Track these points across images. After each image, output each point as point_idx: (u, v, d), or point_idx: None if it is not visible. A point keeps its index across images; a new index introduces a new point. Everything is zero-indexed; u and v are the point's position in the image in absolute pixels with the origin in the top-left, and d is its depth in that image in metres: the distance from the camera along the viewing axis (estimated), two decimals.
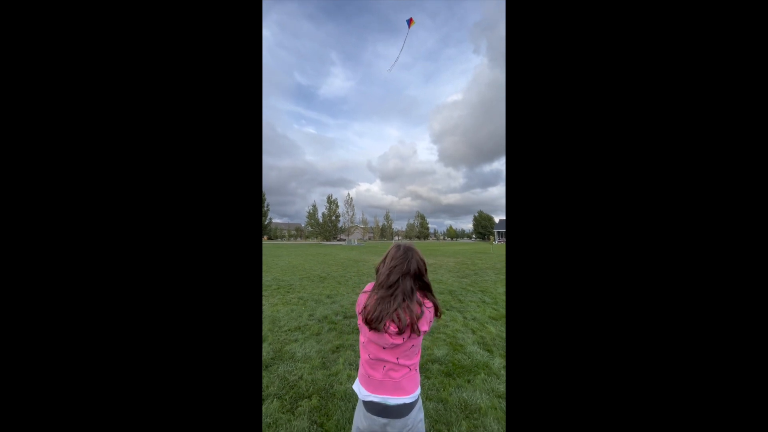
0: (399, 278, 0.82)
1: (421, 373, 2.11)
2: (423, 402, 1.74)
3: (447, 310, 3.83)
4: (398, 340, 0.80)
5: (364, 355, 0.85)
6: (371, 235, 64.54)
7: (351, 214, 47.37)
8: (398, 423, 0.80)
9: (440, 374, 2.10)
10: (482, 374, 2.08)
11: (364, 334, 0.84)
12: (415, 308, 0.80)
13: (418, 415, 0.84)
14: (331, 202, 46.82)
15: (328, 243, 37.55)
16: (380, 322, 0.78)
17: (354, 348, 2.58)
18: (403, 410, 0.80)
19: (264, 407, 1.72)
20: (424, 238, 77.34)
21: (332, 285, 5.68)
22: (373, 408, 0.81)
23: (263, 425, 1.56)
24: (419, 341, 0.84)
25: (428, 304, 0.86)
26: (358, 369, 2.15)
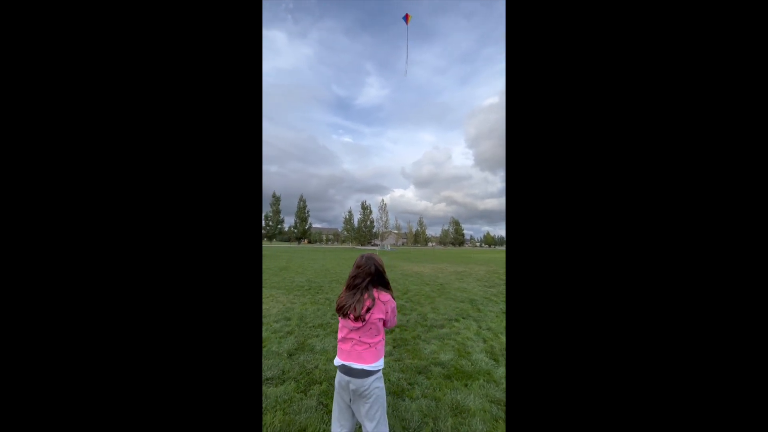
0: (362, 280, 1.18)
1: (422, 374, 2.28)
2: (417, 399, 1.92)
3: (462, 318, 3.86)
4: (358, 324, 1.14)
5: (339, 335, 1.19)
6: (405, 240, 64.29)
7: (385, 219, 48.13)
8: (357, 381, 1.10)
9: (440, 376, 2.23)
10: (481, 380, 2.16)
11: (340, 321, 1.19)
12: (368, 302, 1.13)
13: (375, 382, 1.12)
14: (365, 208, 48.17)
15: (363, 247, 38.61)
16: (345, 309, 1.14)
17: None
18: (361, 374, 1.10)
19: (282, 387, 2.06)
20: (459, 245, 74.49)
21: None
22: (342, 369, 1.14)
23: (281, 401, 1.89)
24: (378, 325, 1.16)
25: (385, 297, 1.18)
26: None
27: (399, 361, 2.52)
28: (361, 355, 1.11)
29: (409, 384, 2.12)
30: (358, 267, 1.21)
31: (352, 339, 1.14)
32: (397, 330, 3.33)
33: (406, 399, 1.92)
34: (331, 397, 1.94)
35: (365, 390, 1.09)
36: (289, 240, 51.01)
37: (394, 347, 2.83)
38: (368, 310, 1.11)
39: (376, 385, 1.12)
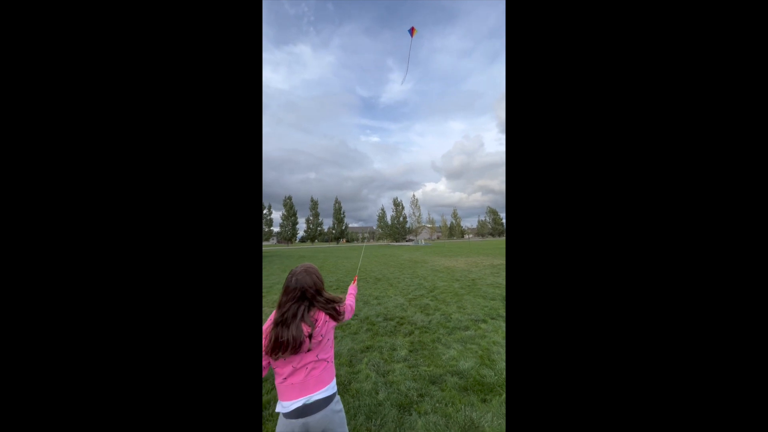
0: (297, 308, 0.93)
1: (436, 384, 2.07)
2: (425, 414, 1.73)
3: (491, 318, 3.49)
4: (305, 352, 0.91)
5: (281, 374, 0.90)
6: (439, 234, 62.77)
7: (417, 214, 47.50)
8: (318, 416, 0.88)
9: (456, 388, 2.00)
10: (503, 395, 1.88)
11: (282, 360, 0.89)
12: (307, 328, 0.93)
13: (336, 406, 0.94)
14: (397, 204, 48.06)
15: (397, 244, 38.63)
16: (288, 345, 0.86)
17: (381, 349, 2.71)
18: (322, 404, 0.90)
19: None
20: (498, 235, 70.03)
21: (384, 287, 5.95)
22: (296, 412, 0.87)
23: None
24: (330, 335, 0.98)
25: (322, 318, 0.97)
26: (378, 371, 2.27)
27: (413, 368, 2.34)
28: (320, 378, 0.92)
29: (420, 395, 1.93)
30: (286, 293, 0.95)
31: (305, 366, 0.92)
32: (417, 332, 3.14)
33: (414, 413, 1.74)
34: None
35: (328, 422, 0.90)
36: (328, 240, 53.66)
37: (410, 351, 2.65)
38: (310, 336, 0.91)
39: (338, 409, 0.94)
